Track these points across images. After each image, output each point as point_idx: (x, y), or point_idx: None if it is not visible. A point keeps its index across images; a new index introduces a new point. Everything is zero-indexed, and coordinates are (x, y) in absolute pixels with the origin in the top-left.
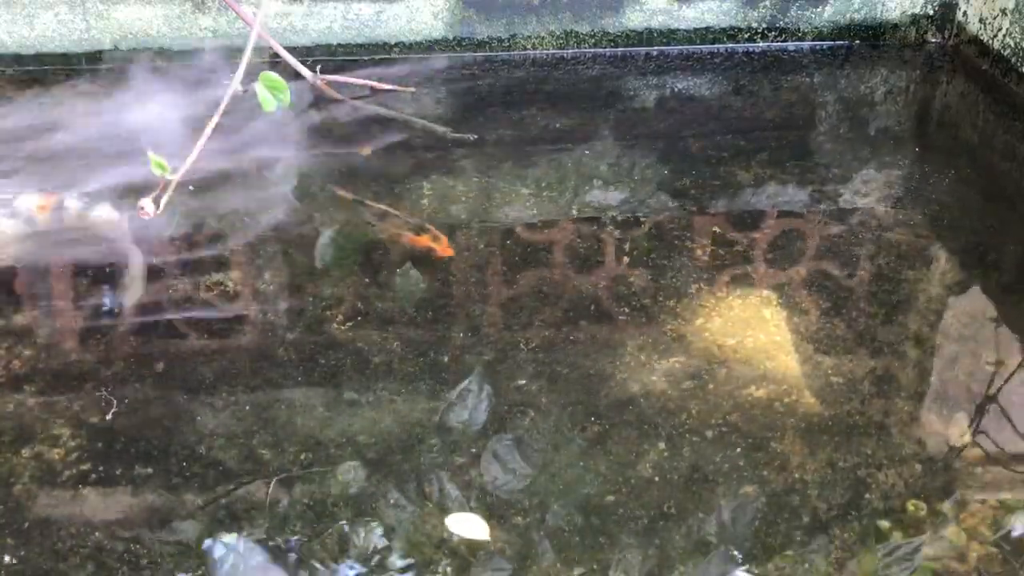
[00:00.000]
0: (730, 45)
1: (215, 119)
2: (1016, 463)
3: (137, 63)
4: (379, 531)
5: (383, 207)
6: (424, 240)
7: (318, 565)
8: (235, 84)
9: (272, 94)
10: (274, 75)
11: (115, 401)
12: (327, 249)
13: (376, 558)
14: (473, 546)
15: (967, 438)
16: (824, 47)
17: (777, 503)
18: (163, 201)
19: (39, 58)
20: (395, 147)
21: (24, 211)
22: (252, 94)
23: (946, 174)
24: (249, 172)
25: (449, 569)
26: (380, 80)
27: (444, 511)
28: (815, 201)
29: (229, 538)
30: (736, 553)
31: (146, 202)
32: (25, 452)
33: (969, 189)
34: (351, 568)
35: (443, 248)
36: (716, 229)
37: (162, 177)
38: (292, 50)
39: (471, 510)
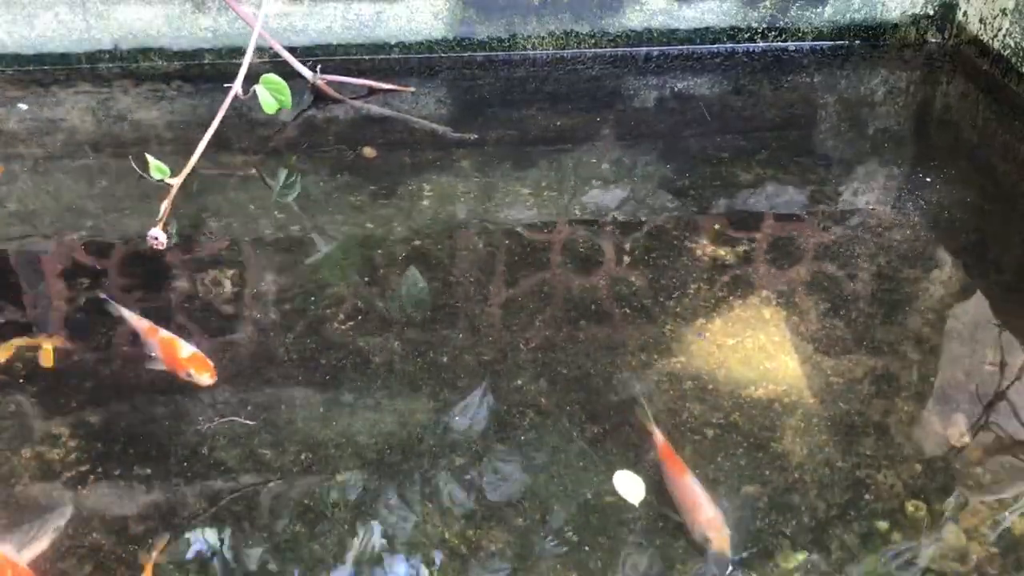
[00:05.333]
0: (730, 45)
1: (215, 122)
2: (1016, 462)
3: None
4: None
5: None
6: None
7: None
8: (236, 86)
9: (273, 96)
10: (275, 77)
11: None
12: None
13: (374, 558)
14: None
15: (967, 438)
16: (824, 47)
17: (778, 503)
18: (164, 207)
19: (39, 58)
20: (395, 147)
21: None
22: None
23: (946, 174)
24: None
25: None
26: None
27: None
28: (815, 201)
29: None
30: (736, 554)
31: (156, 232)
32: None
33: (969, 189)
34: (351, 568)
35: None
36: (716, 229)
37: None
38: (292, 50)
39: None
